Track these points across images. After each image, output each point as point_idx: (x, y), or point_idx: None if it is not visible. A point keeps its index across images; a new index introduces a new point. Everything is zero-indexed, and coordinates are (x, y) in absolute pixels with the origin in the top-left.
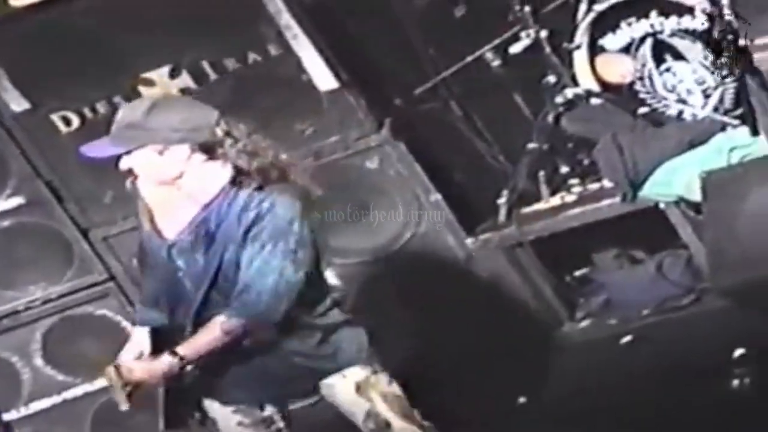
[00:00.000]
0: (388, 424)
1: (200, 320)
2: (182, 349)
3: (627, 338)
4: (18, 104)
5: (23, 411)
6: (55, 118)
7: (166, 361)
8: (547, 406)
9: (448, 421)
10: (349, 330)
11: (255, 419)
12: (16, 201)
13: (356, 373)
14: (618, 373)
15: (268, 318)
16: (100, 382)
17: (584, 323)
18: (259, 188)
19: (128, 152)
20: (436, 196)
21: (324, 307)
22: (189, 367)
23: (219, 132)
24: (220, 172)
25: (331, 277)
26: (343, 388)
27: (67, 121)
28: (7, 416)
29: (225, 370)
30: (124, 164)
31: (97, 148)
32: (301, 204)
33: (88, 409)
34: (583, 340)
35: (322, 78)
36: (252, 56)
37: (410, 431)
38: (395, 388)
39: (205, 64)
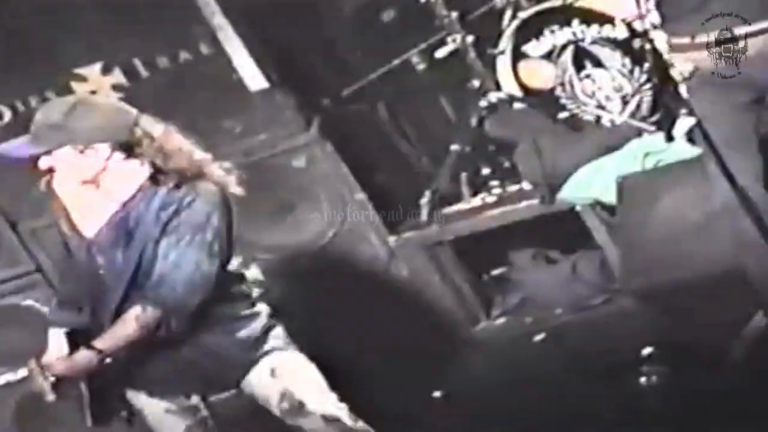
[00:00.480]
0: (302, 404)
1: (119, 317)
2: (99, 343)
3: (540, 336)
4: None
5: None
6: None
7: (85, 355)
8: (461, 400)
9: (364, 413)
10: (267, 322)
11: (181, 406)
12: None
13: (271, 358)
14: (531, 369)
15: (183, 309)
16: (24, 372)
17: (500, 321)
18: (177, 186)
19: (48, 152)
20: (361, 195)
21: (241, 300)
22: (108, 360)
23: (138, 131)
24: (139, 171)
25: (255, 272)
26: (257, 373)
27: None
28: None
29: (149, 363)
30: (45, 163)
31: (17, 148)
32: (218, 199)
33: (12, 398)
34: (499, 337)
35: (253, 78)
36: (183, 55)
37: (324, 412)
38: (310, 370)
39: (138, 62)
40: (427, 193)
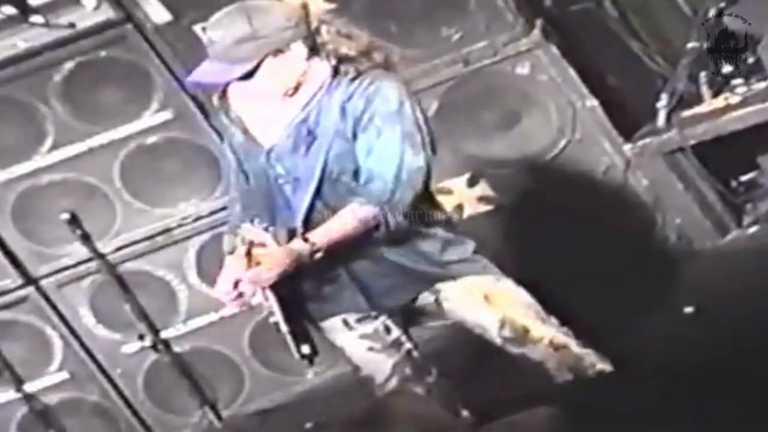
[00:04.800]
0: (526, 330)
1: (309, 229)
2: (314, 236)
3: None
4: (159, 16)
5: (181, 329)
6: (197, 29)
7: (297, 245)
8: (714, 315)
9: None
10: (462, 239)
11: (384, 343)
12: (163, 116)
13: (481, 283)
14: None
15: (397, 205)
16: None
17: (752, 229)
18: (356, 76)
19: (254, 68)
20: (592, 102)
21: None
22: (318, 255)
23: (314, 21)
24: (322, 68)
25: (485, 187)
26: (470, 302)
27: None
28: (166, 334)
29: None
30: (254, 83)
31: (217, 74)
32: (404, 87)
33: (246, 326)
34: (752, 246)
35: None
36: None
37: (550, 336)
38: (524, 295)
39: None
40: (664, 96)
